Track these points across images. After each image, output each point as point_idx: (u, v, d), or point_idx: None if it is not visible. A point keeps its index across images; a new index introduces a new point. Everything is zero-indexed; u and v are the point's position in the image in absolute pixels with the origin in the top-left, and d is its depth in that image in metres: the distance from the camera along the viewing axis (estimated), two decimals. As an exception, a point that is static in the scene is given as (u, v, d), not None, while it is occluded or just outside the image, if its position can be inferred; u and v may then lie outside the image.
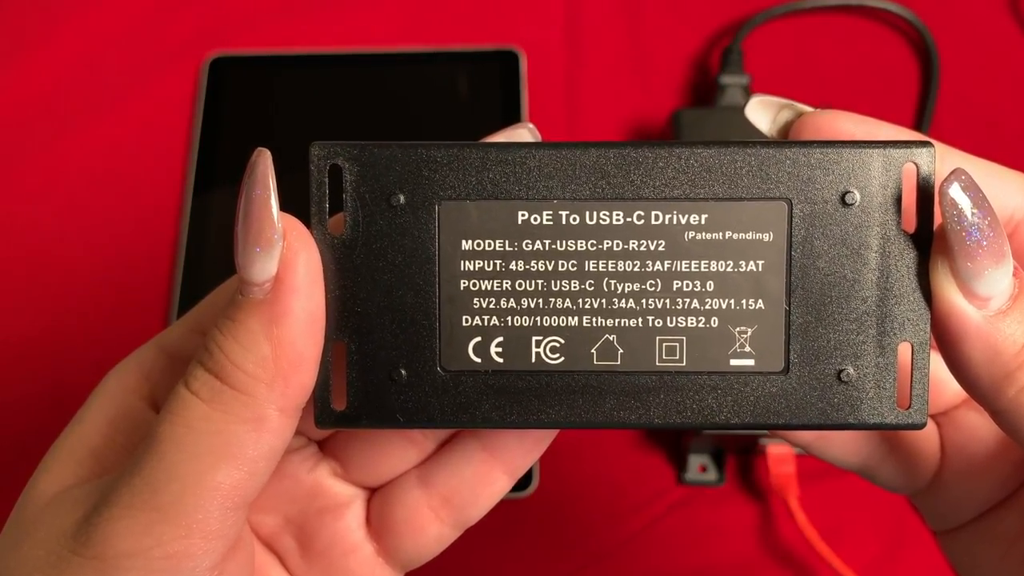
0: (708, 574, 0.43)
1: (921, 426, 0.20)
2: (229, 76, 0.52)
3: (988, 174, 0.21)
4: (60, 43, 0.53)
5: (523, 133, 0.22)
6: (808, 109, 0.22)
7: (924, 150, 0.20)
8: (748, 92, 0.49)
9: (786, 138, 0.22)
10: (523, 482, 0.43)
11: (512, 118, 0.50)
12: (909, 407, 0.20)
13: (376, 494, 0.25)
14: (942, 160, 0.20)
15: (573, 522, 0.44)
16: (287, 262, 0.19)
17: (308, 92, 0.52)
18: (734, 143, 0.20)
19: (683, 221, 0.20)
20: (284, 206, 0.19)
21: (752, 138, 0.22)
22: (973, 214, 0.19)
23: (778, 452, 0.42)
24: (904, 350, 0.20)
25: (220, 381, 0.19)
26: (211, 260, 0.47)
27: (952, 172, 0.19)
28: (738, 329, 0.20)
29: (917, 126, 0.51)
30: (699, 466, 0.44)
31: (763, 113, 0.22)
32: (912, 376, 0.20)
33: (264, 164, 0.19)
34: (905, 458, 0.24)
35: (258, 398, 0.19)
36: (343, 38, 0.53)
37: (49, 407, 0.45)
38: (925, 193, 0.20)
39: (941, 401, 0.24)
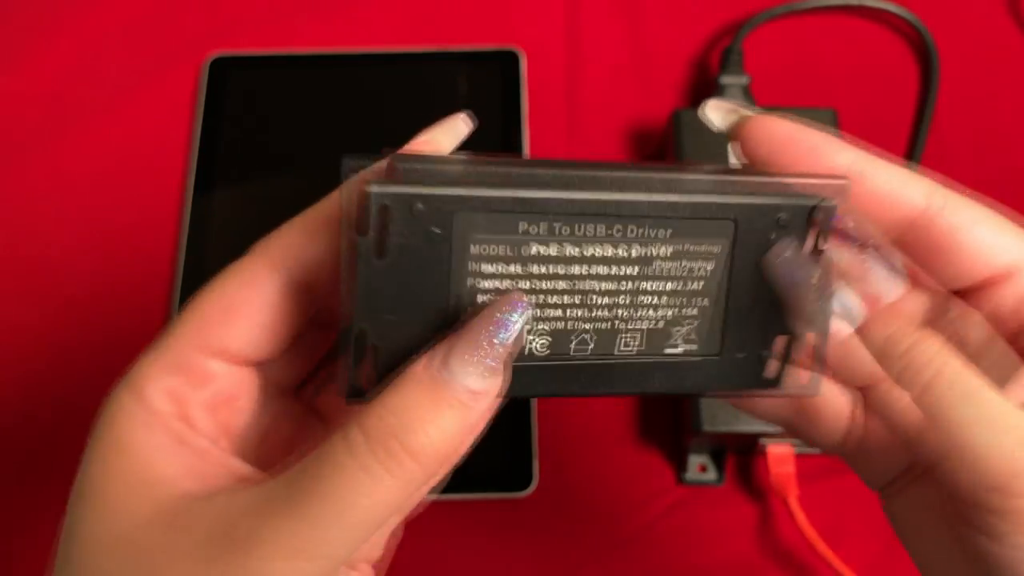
0: (708, 574, 0.43)
1: (815, 395, 0.27)
2: (229, 76, 0.52)
3: (899, 177, 0.25)
4: (60, 43, 0.53)
5: (459, 124, 0.25)
6: (749, 114, 0.25)
7: (839, 183, 0.24)
8: (748, 92, 0.49)
9: (734, 135, 0.26)
10: (523, 482, 0.43)
11: (512, 118, 0.50)
12: (808, 381, 0.26)
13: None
14: (855, 160, 0.24)
15: (573, 522, 0.44)
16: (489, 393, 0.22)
17: (308, 92, 0.52)
18: (694, 169, 0.24)
19: (655, 254, 0.24)
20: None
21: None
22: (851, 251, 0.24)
23: (778, 452, 0.42)
24: (809, 339, 0.25)
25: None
26: (211, 260, 0.47)
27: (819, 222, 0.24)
28: (686, 322, 0.25)
29: (917, 126, 0.51)
30: (699, 466, 0.44)
31: (715, 114, 0.26)
32: (812, 357, 0.26)
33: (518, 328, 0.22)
34: (822, 423, 0.28)
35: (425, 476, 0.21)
36: (343, 38, 0.53)
37: (48, 408, 0.45)
38: (829, 222, 0.24)
39: (859, 375, 0.28)
